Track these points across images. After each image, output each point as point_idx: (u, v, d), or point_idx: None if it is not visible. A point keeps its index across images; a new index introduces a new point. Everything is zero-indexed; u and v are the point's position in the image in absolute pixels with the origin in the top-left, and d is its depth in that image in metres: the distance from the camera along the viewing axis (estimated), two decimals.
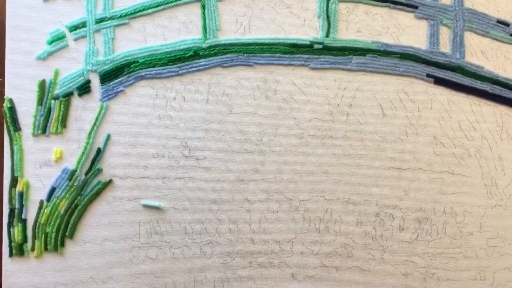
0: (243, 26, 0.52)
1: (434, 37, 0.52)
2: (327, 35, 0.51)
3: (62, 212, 0.50)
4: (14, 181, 0.50)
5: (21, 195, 0.50)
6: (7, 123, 0.50)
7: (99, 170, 0.50)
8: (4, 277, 0.50)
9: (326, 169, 0.51)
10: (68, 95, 0.50)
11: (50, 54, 0.50)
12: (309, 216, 0.51)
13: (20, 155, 0.50)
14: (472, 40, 0.52)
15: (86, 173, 0.50)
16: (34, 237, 0.50)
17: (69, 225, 0.50)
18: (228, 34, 0.51)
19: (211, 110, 0.51)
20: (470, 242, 0.51)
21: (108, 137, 0.50)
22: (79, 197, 0.50)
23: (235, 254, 0.51)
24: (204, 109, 0.51)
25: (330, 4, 0.51)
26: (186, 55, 0.51)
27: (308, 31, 0.52)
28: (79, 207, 0.50)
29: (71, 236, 0.50)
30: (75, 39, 0.51)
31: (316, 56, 0.51)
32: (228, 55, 0.51)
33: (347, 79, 0.51)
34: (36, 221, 0.50)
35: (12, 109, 0.50)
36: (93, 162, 0.50)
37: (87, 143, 0.50)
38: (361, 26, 0.52)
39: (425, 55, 0.52)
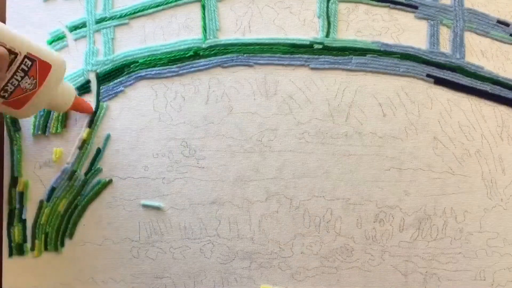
0: (243, 26, 0.52)
1: (434, 37, 0.52)
2: (327, 35, 0.51)
3: (62, 212, 0.50)
4: (14, 181, 0.50)
5: (21, 195, 0.50)
6: (7, 123, 0.50)
7: (99, 170, 0.50)
8: (4, 277, 0.50)
9: (326, 169, 0.51)
10: None
11: None
12: (309, 216, 0.51)
13: (20, 155, 0.50)
14: (472, 40, 0.52)
15: (86, 173, 0.50)
16: (34, 237, 0.50)
17: (69, 225, 0.50)
18: (228, 34, 0.51)
19: (211, 110, 0.51)
20: (470, 242, 0.51)
21: (108, 137, 0.50)
22: (79, 197, 0.50)
23: (235, 254, 0.51)
24: (204, 109, 0.51)
25: (330, 4, 0.51)
26: (186, 55, 0.51)
27: (308, 31, 0.52)
28: (79, 207, 0.50)
29: (71, 236, 0.50)
30: (75, 39, 0.51)
31: (316, 56, 0.51)
32: (228, 55, 0.51)
33: (347, 79, 0.51)
34: (36, 221, 0.50)
35: None
36: (93, 162, 0.50)
37: (87, 143, 0.50)
38: (361, 26, 0.52)
39: (425, 55, 0.52)
